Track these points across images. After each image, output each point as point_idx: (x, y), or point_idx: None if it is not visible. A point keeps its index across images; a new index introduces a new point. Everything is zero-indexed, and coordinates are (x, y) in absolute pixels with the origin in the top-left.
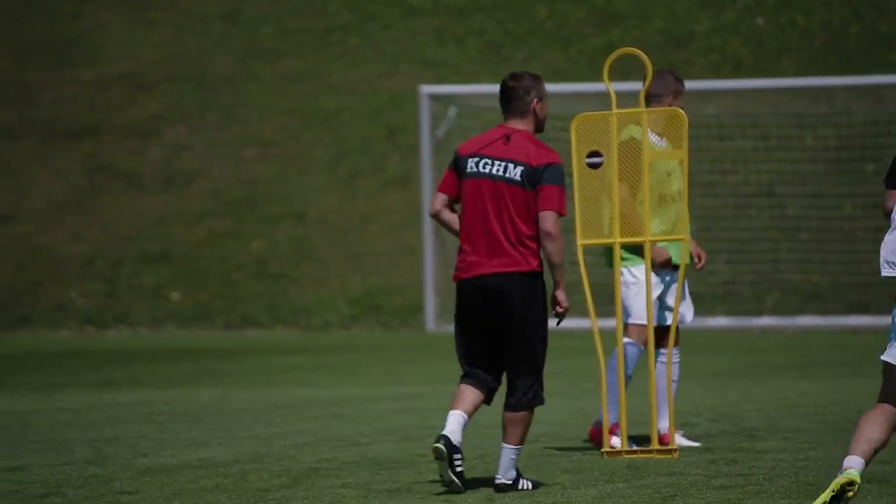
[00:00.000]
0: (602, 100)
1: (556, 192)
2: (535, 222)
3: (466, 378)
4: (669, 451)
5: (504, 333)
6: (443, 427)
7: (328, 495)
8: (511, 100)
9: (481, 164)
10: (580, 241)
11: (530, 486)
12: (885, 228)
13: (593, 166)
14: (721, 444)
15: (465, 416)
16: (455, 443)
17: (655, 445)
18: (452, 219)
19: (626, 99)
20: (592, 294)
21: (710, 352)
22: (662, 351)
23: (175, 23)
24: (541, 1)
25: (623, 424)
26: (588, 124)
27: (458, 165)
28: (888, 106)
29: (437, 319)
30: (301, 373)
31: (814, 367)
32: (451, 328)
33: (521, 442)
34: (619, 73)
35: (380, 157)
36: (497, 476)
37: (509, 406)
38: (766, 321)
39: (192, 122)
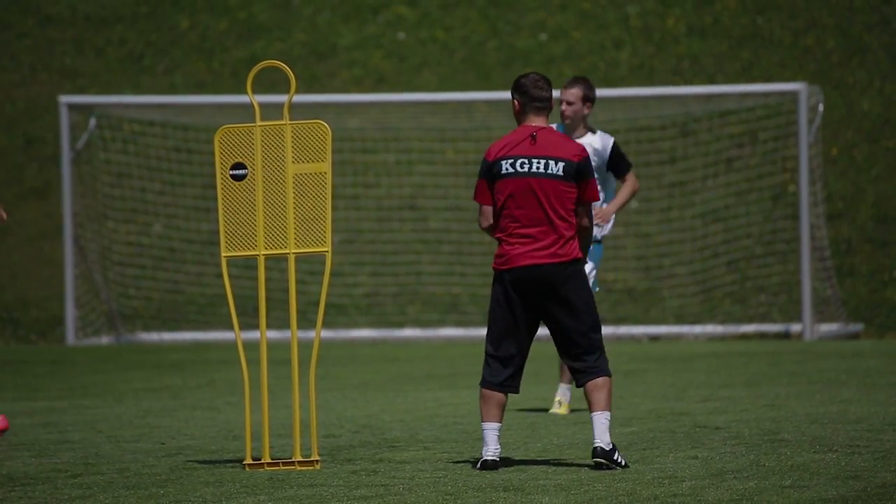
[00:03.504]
0: (246, 111)
1: (595, 184)
2: (571, 213)
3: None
4: (311, 463)
5: (561, 317)
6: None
7: None
8: (550, 98)
9: (518, 163)
10: (224, 254)
11: (624, 463)
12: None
13: (237, 178)
14: (363, 454)
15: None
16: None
17: (297, 457)
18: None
19: (270, 111)
20: (237, 306)
21: (354, 363)
22: None
23: None
24: (182, 12)
25: (266, 437)
26: (232, 136)
27: (491, 170)
28: None
29: (78, 333)
30: None
31: (454, 377)
32: (92, 342)
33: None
34: (262, 86)
35: (17, 167)
36: (595, 440)
37: (593, 373)
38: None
39: None
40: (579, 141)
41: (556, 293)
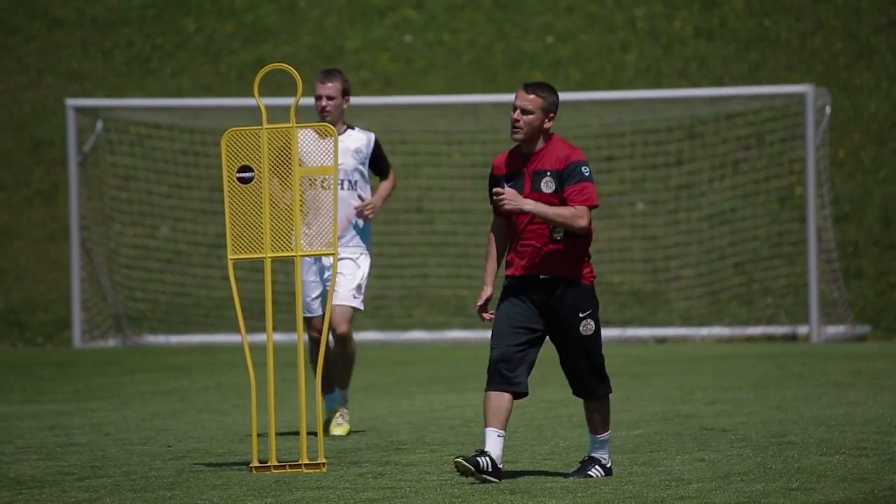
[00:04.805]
0: (253, 114)
1: None
2: None
3: None
4: (318, 466)
5: None
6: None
7: None
8: None
9: None
10: (231, 257)
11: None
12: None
13: (244, 181)
14: (369, 457)
15: None
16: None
17: (304, 460)
18: None
19: (276, 113)
20: (243, 309)
21: (360, 365)
22: None
23: None
24: (189, 15)
25: (272, 438)
26: (239, 139)
27: None
28: None
29: (85, 335)
30: None
31: (461, 379)
32: (98, 344)
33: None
34: (269, 88)
35: (24, 170)
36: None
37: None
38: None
39: None
40: (342, 138)
41: None
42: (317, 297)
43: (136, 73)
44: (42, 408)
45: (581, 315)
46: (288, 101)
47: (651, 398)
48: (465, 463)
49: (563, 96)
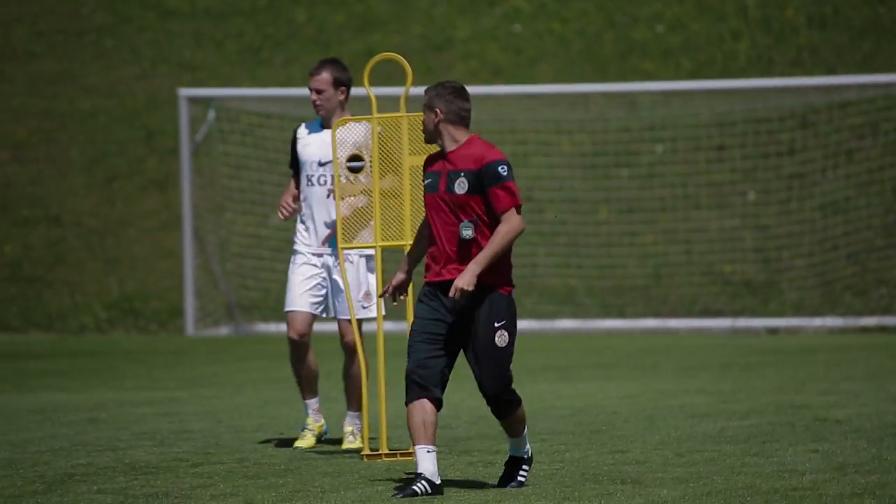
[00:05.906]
0: (363, 104)
1: None
2: None
3: None
4: None
5: None
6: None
7: (83, 501)
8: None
9: None
10: (341, 246)
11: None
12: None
13: (354, 170)
14: (479, 446)
15: None
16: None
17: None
18: None
19: (386, 103)
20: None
21: None
22: None
23: None
24: (300, 5)
25: (383, 428)
26: (349, 128)
27: None
28: (641, 112)
29: (198, 323)
30: (56, 377)
31: (571, 369)
32: (210, 332)
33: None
34: (379, 78)
35: (138, 159)
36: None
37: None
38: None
39: None
40: (342, 130)
41: None
42: (307, 293)
43: (248, 63)
44: (156, 395)
45: (496, 325)
46: (398, 90)
47: (763, 389)
48: (404, 497)
49: (674, 85)
